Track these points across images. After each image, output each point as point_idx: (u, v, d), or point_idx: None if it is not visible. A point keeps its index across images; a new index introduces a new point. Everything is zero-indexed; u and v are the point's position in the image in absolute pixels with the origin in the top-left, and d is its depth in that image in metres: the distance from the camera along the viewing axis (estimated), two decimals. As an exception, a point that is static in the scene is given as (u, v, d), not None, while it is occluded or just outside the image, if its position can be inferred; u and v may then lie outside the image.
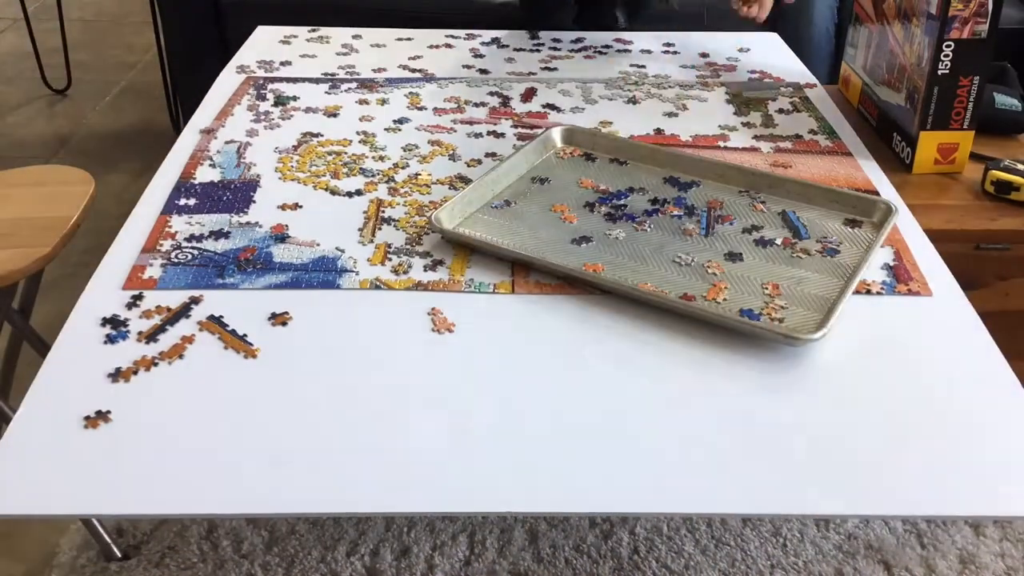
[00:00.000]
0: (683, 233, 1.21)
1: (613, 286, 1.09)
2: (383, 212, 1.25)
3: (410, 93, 1.60)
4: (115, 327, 1.03)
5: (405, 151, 1.40)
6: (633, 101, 1.59)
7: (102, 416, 0.91)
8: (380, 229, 1.21)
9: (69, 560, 1.52)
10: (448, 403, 0.94)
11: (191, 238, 1.19)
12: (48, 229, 1.47)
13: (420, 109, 1.55)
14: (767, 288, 1.10)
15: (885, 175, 1.37)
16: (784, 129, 1.50)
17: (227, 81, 1.65)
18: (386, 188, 1.31)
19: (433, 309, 1.07)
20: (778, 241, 1.19)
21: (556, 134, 1.39)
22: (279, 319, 1.04)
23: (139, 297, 1.08)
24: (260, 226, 1.22)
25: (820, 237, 1.20)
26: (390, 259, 1.15)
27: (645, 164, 1.36)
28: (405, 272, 1.13)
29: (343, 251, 1.17)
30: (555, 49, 1.83)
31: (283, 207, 1.26)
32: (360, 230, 1.21)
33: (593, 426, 0.92)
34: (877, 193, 1.30)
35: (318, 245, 1.18)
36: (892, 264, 1.16)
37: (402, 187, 1.31)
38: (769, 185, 1.30)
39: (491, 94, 1.61)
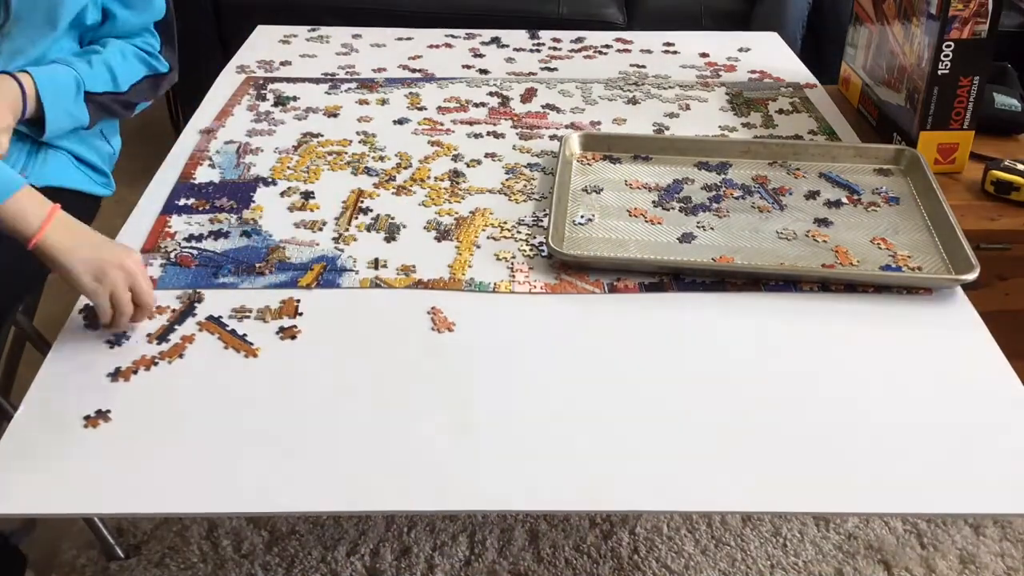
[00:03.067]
0: (760, 211, 1.24)
1: (766, 272, 1.12)
2: (362, 203, 1.26)
3: (410, 93, 1.60)
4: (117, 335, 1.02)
5: (405, 151, 1.41)
6: (633, 101, 1.59)
7: (102, 415, 0.91)
8: (356, 218, 1.23)
9: (70, 559, 1.52)
10: (448, 401, 0.94)
11: (191, 238, 1.19)
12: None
13: (420, 109, 1.55)
14: (879, 244, 1.17)
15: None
16: (784, 129, 1.51)
17: (227, 81, 1.65)
18: (389, 188, 1.31)
19: (433, 308, 1.07)
20: (844, 200, 1.26)
21: (575, 142, 1.39)
22: (287, 332, 1.03)
23: (139, 297, 1.08)
24: (260, 226, 1.22)
25: (872, 189, 1.28)
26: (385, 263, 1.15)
27: (668, 155, 1.37)
28: (409, 273, 1.13)
29: (342, 250, 1.17)
30: (555, 49, 1.83)
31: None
32: (337, 219, 1.23)
33: (593, 425, 0.92)
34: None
35: (318, 245, 1.18)
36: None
37: (405, 187, 1.31)
38: (794, 153, 1.36)
39: (491, 94, 1.61)
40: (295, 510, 0.91)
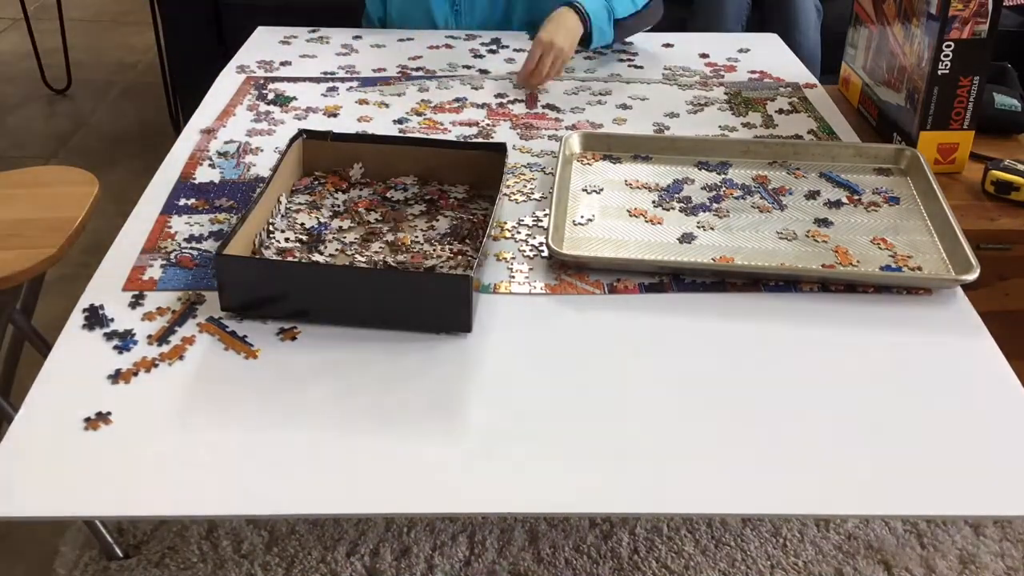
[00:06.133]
0: (760, 211, 1.24)
1: (767, 272, 1.12)
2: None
3: (410, 93, 1.60)
4: (121, 338, 1.02)
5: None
6: (633, 101, 1.59)
7: (103, 417, 0.91)
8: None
9: (70, 559, 1.52)
10: (447, 403, 0.94)
11: (191, 238, 1.19)
12: (53, 230, 1.47)
13: (419, 113, 1.54)
14: (879, 244, 1.17)
15: (885, 175, 1.37)
16: (784, 129, 1.51)
17: (227, 81, 1.65)
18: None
19: (433, 309, 1.07)
20: (844, 200, 1.26)
21: (575, 142, 1.38)
22: (288, 334, 1.03)
23: (140, 297, 1.08)
24: (260, 226, 1.22)
25: (873, 189, 1.28)
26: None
27: (668, 155, 1.37)
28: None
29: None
30: (555, 49, 1.82)
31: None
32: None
33: (593, 426, 0.92)
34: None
35: (318, 245, 1.18)
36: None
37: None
38: (794, 153, 1.36)
39: (491, 94, 1.61)
40: (295, 512, 0.91)
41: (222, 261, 1.02)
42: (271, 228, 1.17)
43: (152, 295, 1.08)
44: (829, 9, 2.51)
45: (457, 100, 1.58)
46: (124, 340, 1.01)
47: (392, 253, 1.14)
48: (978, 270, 1.08)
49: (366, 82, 1.64)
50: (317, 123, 1.49)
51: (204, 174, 1.34)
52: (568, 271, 1.13)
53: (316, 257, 1.13)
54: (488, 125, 1.49)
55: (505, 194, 1.28)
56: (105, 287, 1.10)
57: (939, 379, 0.99)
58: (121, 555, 1.52)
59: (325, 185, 1.27)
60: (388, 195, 1.26)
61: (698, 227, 1.21)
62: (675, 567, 1.52)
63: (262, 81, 1.65)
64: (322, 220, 1.20)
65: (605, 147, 1.39)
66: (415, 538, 1.55)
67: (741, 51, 1.83)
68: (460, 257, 1.14)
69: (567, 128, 1.48)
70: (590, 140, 1.39)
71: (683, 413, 0.94)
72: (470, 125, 1.49)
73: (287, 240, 1.16)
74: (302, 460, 0.88)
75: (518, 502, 0.86)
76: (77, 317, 1.05)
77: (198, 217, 1.23)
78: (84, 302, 1.07)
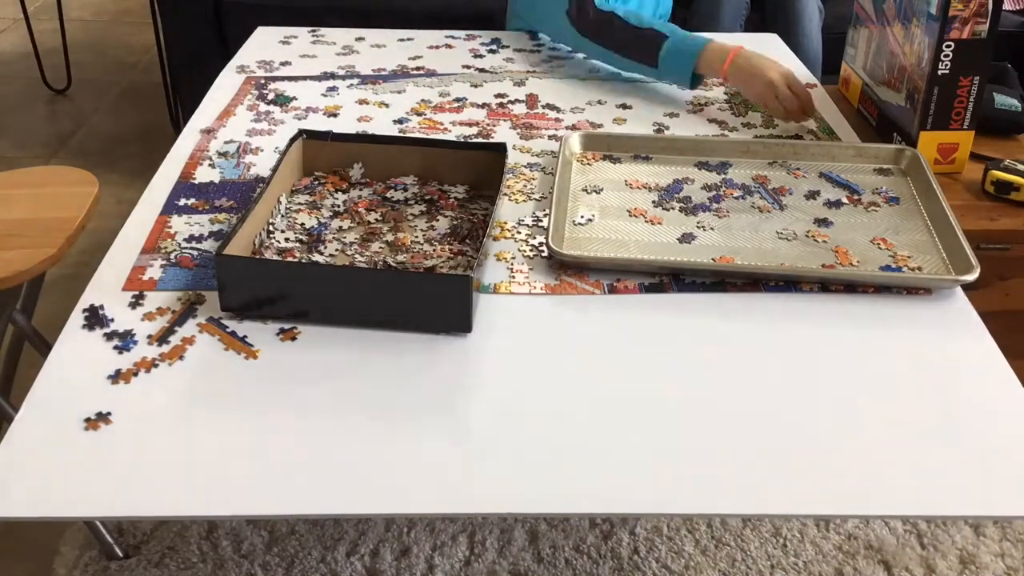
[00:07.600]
0: (760, 211, 1.24)
1: (766, 272, 1.12)
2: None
3: (410, 93, 1.60)
4: (121, 338, 1.02)
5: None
6: (633, 102, 1.59)
7: (103, 418, 0.91)
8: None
9: (70, 559, 1.52)
10: (447, 403, 0.94)
11: (191, 238, 1.19)
12: (53, 230, 1.47)
13: (420, 113, 1.55)
14: (879, 244, 1.17)
15: (885, 175, 1.37)
16: (784, 129, 1.51)
17: (227, 81, 1.65)
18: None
19: (433, 309, 1.07)
20: (844, 200, 1.26)
21: (575, 142, 1.38)
22: (287, 334, 1.03)
23: (140, 297, 1.08)
24: (260, 226, 1.22)
25: (873, 189, 1.29)
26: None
27: (668, 155, 1.37)
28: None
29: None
30: (555, 49, 1.83)
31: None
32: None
33: (593, 426, 0.92)
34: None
35: (318, 245, 1.18)
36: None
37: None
38: (794, 153, 1.36)
39: (491, 94, 1.61)
40: (295, 512, 0.91)
41: (222, 261, 1.02)
42: (271, 228, 1.17)
43: (152, 295, 1.08)
44: (829, 9, 2.51)
45: (457, 100, 1.58)
46: (124, 340, 1.01)
47: (392, 253, 1.14)
48: (978, 270, 1.08)
49: (366, 81, 1.64)
50: (317, 123, 1.49)
51: (204, 174, 1.34)
52: (568, 271, 1.13)
53: (316, 257, 1.13)
54: (488, 125, 1.49)
55: (505, 194, 1.28)
56: (105, 287, 1.10)
57: (939, 379, 0.99)
58: (121, 555, 1.52)
59: (325, 185, 1.27)
60: (388, 195, 1.26)
61: (698, 227, 1.21)
62: (675, 567, 1.52)
63: (262, 81, 1.65)
64: (322, 220, 1.20)
65: (605, 147, 1.39)
66: (415, 538, 1.55)
67: (741, 51, 1.82)
68: (460, 257, 1.14)
69: (567, 128, 1.48)
70: (590, 140, 1.40)
71: (683, 413, 0.94)
72: (470, 125, 1.49)
73: (287, 240, 1.16)
74: (302, 460, 0.88)
75: (518, 502, 0.86)
76: (77, 317, 1.05)
77: (198, 217, 1.23)
78: (84, 302, 1.07)
